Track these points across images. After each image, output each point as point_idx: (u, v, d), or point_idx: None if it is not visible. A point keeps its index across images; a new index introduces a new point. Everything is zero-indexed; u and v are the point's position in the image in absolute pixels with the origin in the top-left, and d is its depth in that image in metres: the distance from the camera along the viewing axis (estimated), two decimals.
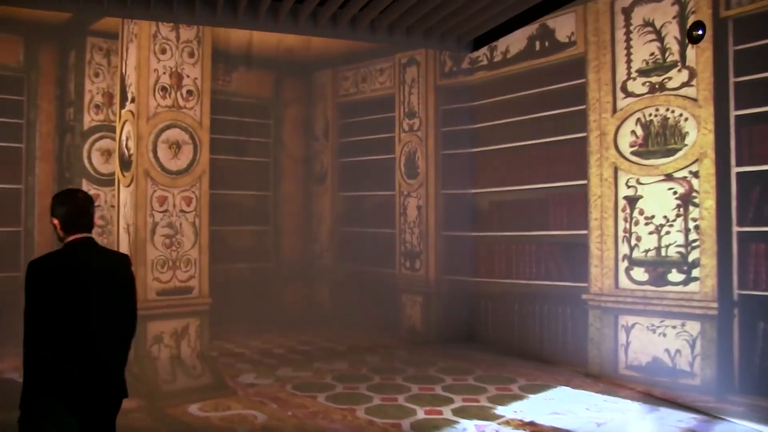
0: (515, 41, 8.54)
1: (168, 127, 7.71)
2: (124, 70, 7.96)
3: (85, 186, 8.88)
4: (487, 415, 6.21)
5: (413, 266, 9.65)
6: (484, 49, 8.87)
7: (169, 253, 7.69)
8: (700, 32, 6.73)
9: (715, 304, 6.53)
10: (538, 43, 8.37)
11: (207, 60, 7.98)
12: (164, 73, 7.71)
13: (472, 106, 9.36)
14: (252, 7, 6.78)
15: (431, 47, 8.49)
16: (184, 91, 7.82)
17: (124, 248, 7.77)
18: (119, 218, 8.04)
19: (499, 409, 6.38)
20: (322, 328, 10.18)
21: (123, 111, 7.97)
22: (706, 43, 6.59)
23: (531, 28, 8.32)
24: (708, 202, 6.58)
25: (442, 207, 9.56)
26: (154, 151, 7.61)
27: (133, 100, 7.68)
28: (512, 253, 8.82)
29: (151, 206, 7.59)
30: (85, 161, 9.13)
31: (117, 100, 8.41)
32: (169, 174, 7.71)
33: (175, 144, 7.71)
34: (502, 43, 8.67)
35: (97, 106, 9.21)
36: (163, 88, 7.70)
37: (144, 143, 7.55)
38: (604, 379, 7.30)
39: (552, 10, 7.55)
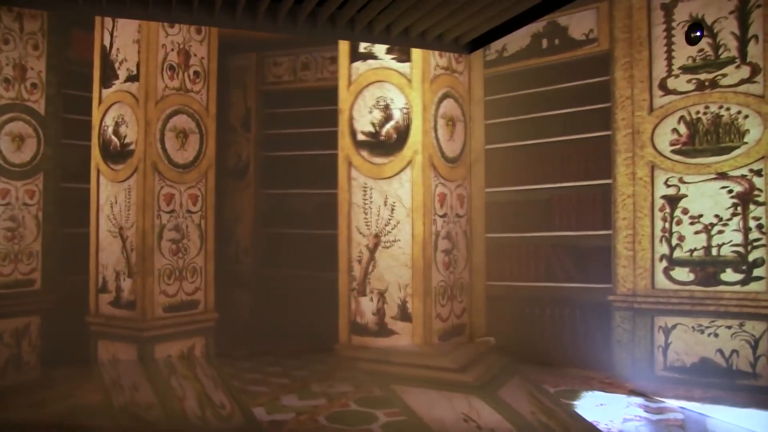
0: (515, 39, 7.89)
1: (175, 113, 6.24)
2: (109, 42, 6.34)
3: None
4: None
5: None
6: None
7: (175, 261, 6.23)
8: (698, 34, 6.50)
9: None
10: (545, 41, 7.74)
11: (214, 38, 6.71)
12: (172, 49, 6.33)
13: None
14: (250, 8, 6.34)
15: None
16: (191, 71, 6.41)
17: (109, 255, 6.14)
18: (98, 219, 6.34)
19: None
20: (256, 340, 8.25)
21: (109, 91, 6.34)
22: None
23: (537, 26, 7.72)
24: None
25: None
26: (162, 141, 6.12)
27: (129, 80, 6.20)
28: (506, 255, 8.09)
29: (158, 206, 6.01)
30: None
31: (95, 77, 6.64)
32: (176, 168, 6.22)
33: (182, 133, 6.29)
34: (497, 42, 7.97)
35: (6, 80, 7.03)
36: (171, 68, 6.26)
37: (152, 131, 6.01)
38: (636, 382, 6.71)
39: (553, 10, 7.01)
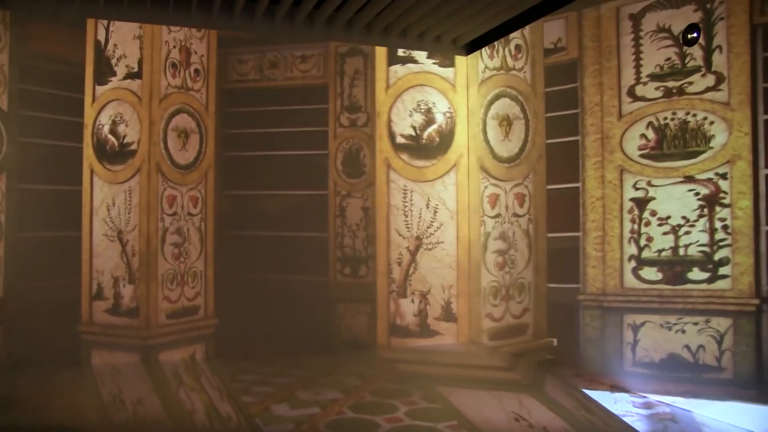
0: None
1: (177, 112, 6.06)
2: (104, 38, 6.07)
3: None
4: None
5: (356, 273, 8.51)
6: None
7: (177, 266, 6.01)
8: (695, 35, 6.81)
9: (755, 301, 6.53)
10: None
11: (213, 36, 6.52)
12: (174, 47, 6.11)
13: None
14: (248, 10, 6.29)
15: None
16: (192, 69, 6.25)
17: (105, 261, 5.88)
18: (91, 222, 6.06)
19: None
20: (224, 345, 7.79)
21: (105, 89, 6.07)
22: (743, 48, 6.63)
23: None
24: (743, 202, 6.60)
25: None
26: (165, 141, 5.93)
27: (129, 77, 5.91)
28: None
29: (161, 208, 5.82)
30: None
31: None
32: (178, 168, 6.04)
33: (183, 133, 6.10)
34: None
35: None
36: (173, 65, 6.07)
37: (156, 130, 5.83)
38: (608, 377, 7.05)
39: (552, 10, 7.19)
